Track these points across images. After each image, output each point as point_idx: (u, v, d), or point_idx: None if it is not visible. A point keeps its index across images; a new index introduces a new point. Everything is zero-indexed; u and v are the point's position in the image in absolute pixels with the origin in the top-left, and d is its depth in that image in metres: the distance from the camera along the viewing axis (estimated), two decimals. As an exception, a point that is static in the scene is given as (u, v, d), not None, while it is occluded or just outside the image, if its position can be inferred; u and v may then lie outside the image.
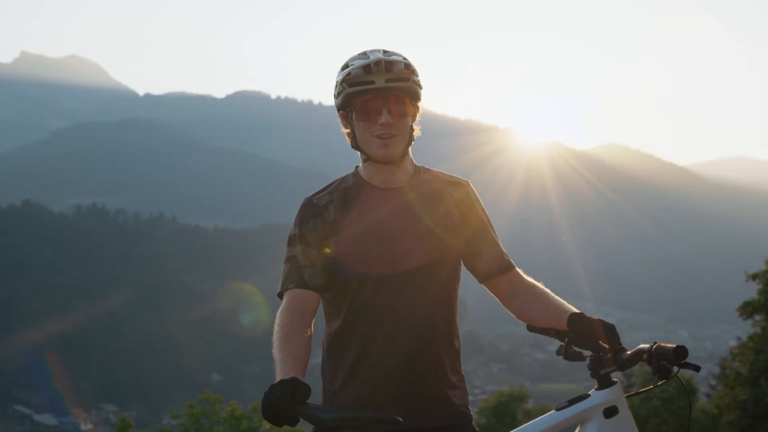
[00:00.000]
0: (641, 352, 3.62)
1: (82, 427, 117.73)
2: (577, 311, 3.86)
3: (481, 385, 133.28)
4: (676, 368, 3.57)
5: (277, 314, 3.71)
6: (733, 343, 43.20)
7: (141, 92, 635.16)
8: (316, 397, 3.76)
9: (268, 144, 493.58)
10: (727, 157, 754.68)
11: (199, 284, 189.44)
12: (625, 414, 3.71)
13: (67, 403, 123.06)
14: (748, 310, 31.82)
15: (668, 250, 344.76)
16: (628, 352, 3.65)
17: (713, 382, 39.53)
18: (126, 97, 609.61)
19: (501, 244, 4.14)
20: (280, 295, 3.83)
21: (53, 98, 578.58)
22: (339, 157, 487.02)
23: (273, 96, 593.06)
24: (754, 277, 32.14)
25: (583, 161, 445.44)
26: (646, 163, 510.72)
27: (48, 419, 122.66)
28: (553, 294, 4.01)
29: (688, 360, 3.55)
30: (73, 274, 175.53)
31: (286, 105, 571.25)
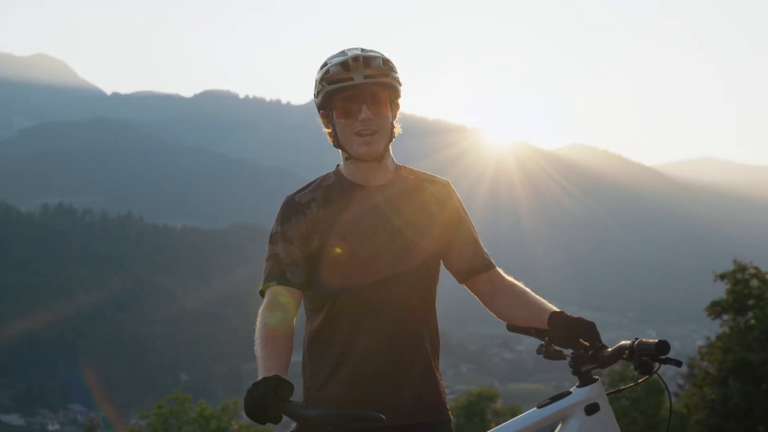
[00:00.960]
0: (622, 348, 3.63)
1: (50, 428, 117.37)
2: (557, 310, 3.88)
3: (450, 384, 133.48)
4: (657, 364, 3.59)
5: (259, 312, 3.75)
6: (701, 342, 43.41)
7: (108, 91, 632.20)
8: (299, 396, 3.81)
9: (236, 143, 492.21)
10: (693, 158, 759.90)
11: (167, 284, 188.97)
12: (607, 411, 3.73)
13: (34, 403, 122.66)
14: (716, 309, 32.03)
15: (636, 250, 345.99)
16: (609, 349, 3.67)
17: (681, 381, 39.60)
18: (93, 96, 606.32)
19: (481, 243, 4.16)
20: (262, 293, 3.84)
21: (20, 97, 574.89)
22: (307, 156, 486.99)
23: (241, 95, 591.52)
24: (722, 277, 32.35)
25: (551, 161, 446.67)
26: (613, 163, 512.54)
27: (15, 419, 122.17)
28: (533, 293, 4.03)
29: (669, 355, 3.57)
30: (41, 273, 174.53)
31: (255, 104, 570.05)
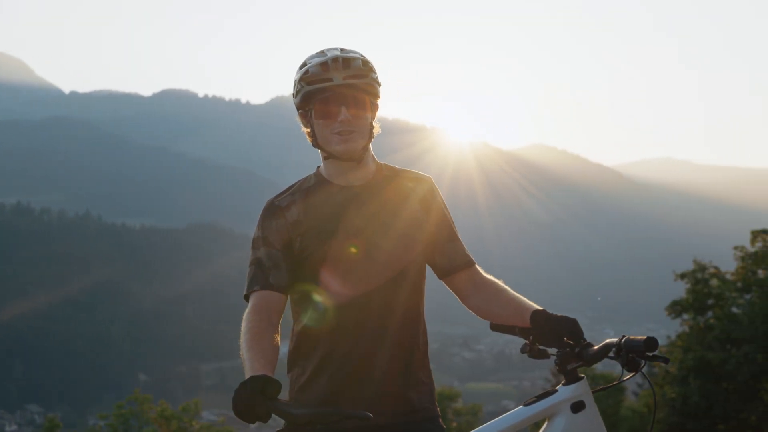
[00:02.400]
0: (609, 346, 3.65)
1: (7, 428, 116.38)
2: (540, 308, 3.89)
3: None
4: (643, 361, 3.61)
5: (244, 316, 3.72)
6: (661, 342, 43.49)
7: (67, 90, 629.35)
8: (287, 395, 3.92)
9: (195, 143, 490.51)
10: (652, 158, 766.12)
11: (125, 284, 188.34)
12: (592, 408, 3.75)
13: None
14: (676, 309, 32.20)
15: (595, 249, 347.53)
16: (595, 347, 3.69)
17: (641, 380, 39.68)
18: (51, 94, 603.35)
19: (461, 240, 4.15)
20: (246, 298, 3.83)
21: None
22: (267, 155, 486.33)
23: (200, 94, 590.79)
24: (682, 276, 32.50)
25: (511, 161, 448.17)
26: (572, 163, 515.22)
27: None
28: (513, 291, 4.05)
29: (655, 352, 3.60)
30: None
31: (214, 103, 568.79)
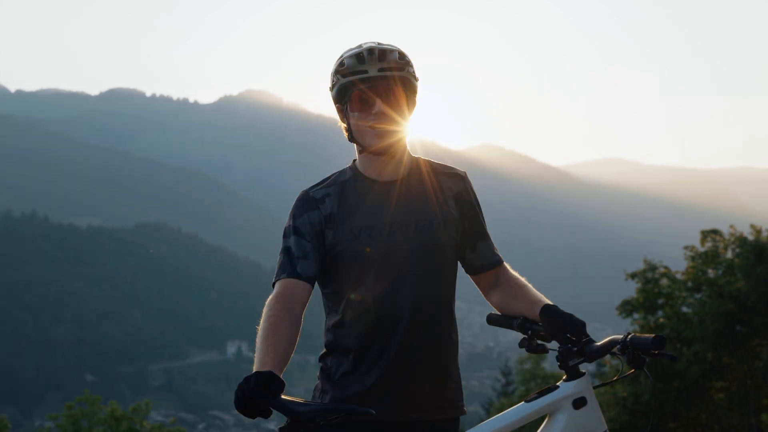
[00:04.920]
0: (613, 342, 3.64)
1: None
2: (551, 303, 3.90)
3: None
4: (647, 359, 3.61)
5: (266, 303, 3.70)
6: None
7: (12, 89, 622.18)
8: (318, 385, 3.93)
9: (143, 142, 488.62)
10: (599, 158, 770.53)
11: (72, 284, 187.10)
12: (594, 405, 3.75)
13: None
14: (627, 308, 32.34)
15: (543, 249, 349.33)
16: (598, 344, 3.68)
17: (592, 379, 39.86)
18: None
19: (492, 239, 4.20)
20: (274, 286, 3.82)
21: None
22: (215, 155, 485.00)
23: (148, 93, 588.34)
24: (633, 276, 32.67)
25: (459, 161, 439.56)
26: (520, 163, 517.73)
27: None
28: (533, 288, 4.06)
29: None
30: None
31: (162, 103, 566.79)
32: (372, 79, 3.77)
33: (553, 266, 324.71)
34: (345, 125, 3.93)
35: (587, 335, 3.72)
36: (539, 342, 3.87)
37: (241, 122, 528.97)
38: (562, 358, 3.74)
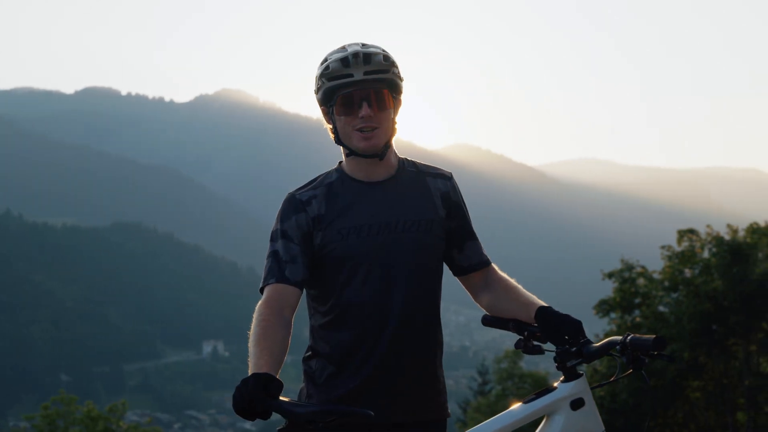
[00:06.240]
0: (612, 343, 3.63)
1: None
2: (545, 304, 3.89)
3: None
4: (647, 360, 3.60)
5: (256, 308, 3.68)
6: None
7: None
8: (294, 394, 3.90)
9: (118, 141, 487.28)
10: (574, 158, 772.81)
11: (47, 283, 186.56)
12: (591, 405, 3.74)
13: None
14: (604, 308, 32.35)
15: (518, 248, 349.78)
16: (595, 345, 3.66)
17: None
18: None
19: (479, 240, 4.18)
20: (262, 291, 3.79)
21: None
22: (191, 154, 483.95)
23: (124, 92, 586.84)
24: (610, 275, 32.67)
25: (435, 161, 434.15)
26: (496, 163, 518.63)
27: None
28: (522, 289, 4.05)
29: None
30: None
31: (137, 102, 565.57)
32: (358, 83, 3.77)
33: (529, 266, 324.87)
34: (331, 127, 3.92)
35: (584, 336, 3.69)
36: (535, 343, 3.83)
37: (217, 121, 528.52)
38: (560, 360, 3.72)
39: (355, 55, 3.76)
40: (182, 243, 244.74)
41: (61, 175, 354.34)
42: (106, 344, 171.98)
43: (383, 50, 3.84)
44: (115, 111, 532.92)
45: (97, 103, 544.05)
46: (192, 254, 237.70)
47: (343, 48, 3.84)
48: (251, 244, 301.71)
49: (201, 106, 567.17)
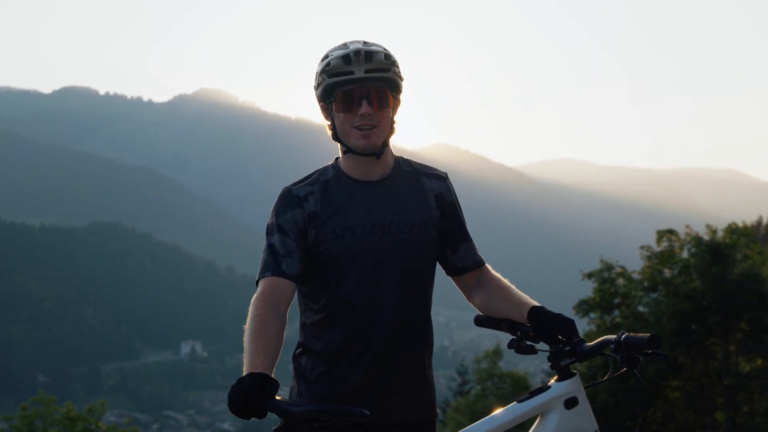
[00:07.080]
0: (606, 342, 3.62)
1: None
2: (537, 304, 3.90)
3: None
4: (641, 358, 3.59)
5: (252, 302, 3.66)
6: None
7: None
8: (292, 384, 3.92)
9: (96, 140, 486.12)
10: (553, 159, 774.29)
11: (25, 283, 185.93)
12: (585, 405, 3.74)
13: None
14: (583, 308, 32.37)
15: (498, 249, 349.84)
16: (589, 344, 3.67)
17: (547, 378, 39.94)
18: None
19: (473, 240, 4.21)
20: (257, 284, 3.79)
21: None
22: (169, 154, 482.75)
23: (102, 92, 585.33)
24: (589, 276, 32.70)
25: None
26: (475, 163, 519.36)
27: None
28: (515, 288, 4.07)
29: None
30: None
31: (116, 101, 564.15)
32: (358, 81, 3.76)
33: (507, 266, 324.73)
34: (329, 124, 3.91)
35: (578, 335, 3.70)
36: (528, 343, 3.85)
37: (196, 121, 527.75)
38: (554, 359, 3.73)
39: (357, 52, 3.75)
40: (160, 242, 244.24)
41: (39, 175, 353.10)
42: (83, 344, 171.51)
43: (385, 49, 3.84)
44: (93, 111, 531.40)
45: (75, 103, 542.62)
46: (170, 254, 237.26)
47: (345, 45, 3.84)
48: (230, 243, 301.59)
49: (179, 105, 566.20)
